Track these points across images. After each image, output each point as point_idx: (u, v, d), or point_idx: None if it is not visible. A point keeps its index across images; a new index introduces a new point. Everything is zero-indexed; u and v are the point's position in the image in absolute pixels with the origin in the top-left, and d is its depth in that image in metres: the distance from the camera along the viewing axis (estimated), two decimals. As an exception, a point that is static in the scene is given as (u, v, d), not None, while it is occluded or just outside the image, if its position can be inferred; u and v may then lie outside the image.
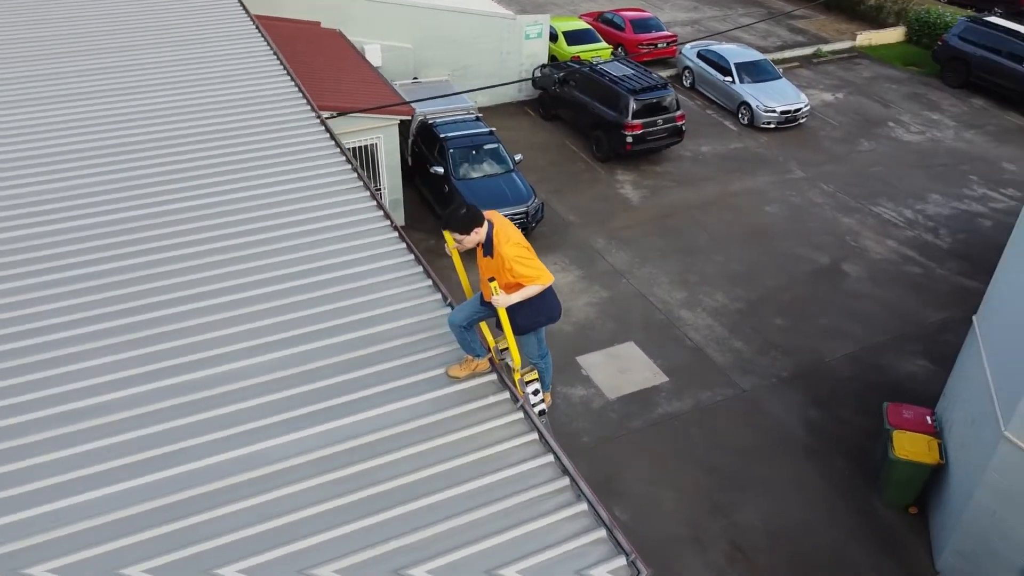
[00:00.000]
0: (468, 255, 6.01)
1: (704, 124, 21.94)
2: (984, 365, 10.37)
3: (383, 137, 16.62)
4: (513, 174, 17.11)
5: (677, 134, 19.71)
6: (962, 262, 16.67)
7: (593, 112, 19.81)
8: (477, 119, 18.39)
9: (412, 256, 7.06)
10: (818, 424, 12.76)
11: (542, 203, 16.79)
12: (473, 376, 5.89)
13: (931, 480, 11.21)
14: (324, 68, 16.87)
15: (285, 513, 4.66)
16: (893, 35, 27.96)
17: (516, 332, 5.68)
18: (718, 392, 13.27)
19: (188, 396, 5.45)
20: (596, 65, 20.63)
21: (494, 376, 5.92)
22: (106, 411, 5.31)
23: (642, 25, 25.61)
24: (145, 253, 6.84)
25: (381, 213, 7.64)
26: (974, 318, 11.39)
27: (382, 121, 16.58)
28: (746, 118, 21.87)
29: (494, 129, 18.04)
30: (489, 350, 5.97)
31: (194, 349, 5.83)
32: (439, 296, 6.62)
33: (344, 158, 8.61)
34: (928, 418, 11.56)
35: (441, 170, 16.78)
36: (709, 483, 11.67)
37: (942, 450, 11.12)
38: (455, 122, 18.03)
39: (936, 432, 11.37)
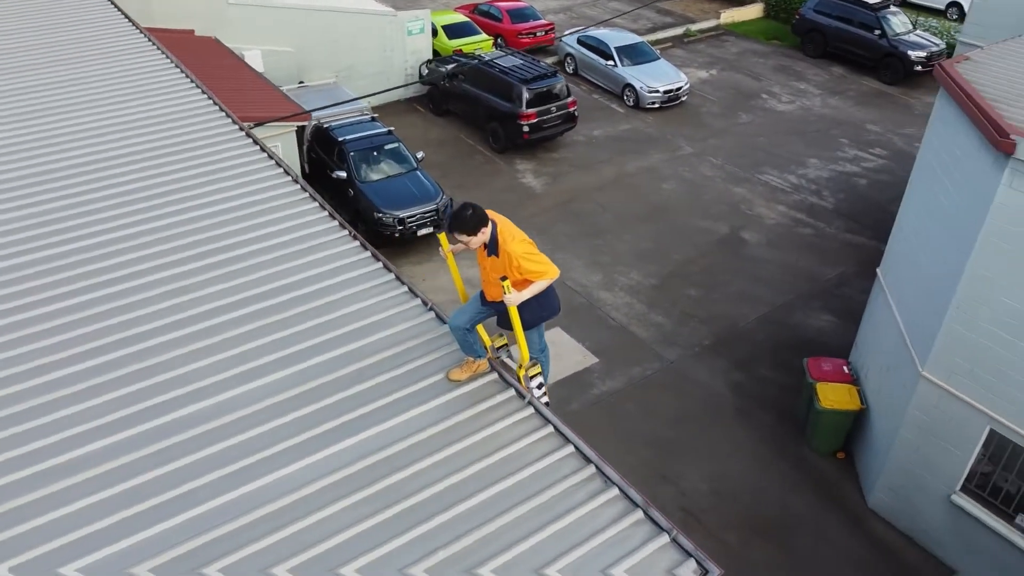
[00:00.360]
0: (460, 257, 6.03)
1: (593, 108, 22.46)
2: (894, 314, 11.20)
3: (280, 145, 16.18)
4: (418, 172, 17.01)
5: (571, 120, 20.11)
6: (847, 220, 17.86)
7: (487, 104, 19.91)
8: (373, 119, 18.15)
9: (380, 264, 6.97)
10: (743, 385, 13.43)
11: (451, 199, 16.78)
12: (475, 377, 5.90)
13: (854, 425, 12.05)
14: (212, 78, 16.21)
15: (323, 540, 4.55)
16: (753, 11, 29.45)
17: (523, 328, 5.71)
18: (647, 367, 13.73)
19: (184, 434, 5.19)
20: (485, 57, 20.74)
21: (495, 375, 5.95)
22: (92, 462, 4.98)
23: (519, 15, 25.88)
24: (99, 287, 6.43)
25: (336, 223, 7.49)
26: (878, 271, 12.26)
27: (279, 129, 16.13)
28: (631, 100, 22.54)
29: (392, 128, 17.86)
30: (487, 350, 6.01)
31: (180, 383, 5.56)
32: (418, 302, 6.58)
33: (282, 169, 8.38)
34: (845, 368, 12.40)
35: (343, 174, 16.48)
36: (652, 455, 12.10)
37: (862, 396, 11.97)
38: (351, 124, 17.71)
39: (854, 380, 12.22)
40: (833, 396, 11.93)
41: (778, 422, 12.74)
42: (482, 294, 6.02)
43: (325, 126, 17.53)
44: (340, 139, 17.01)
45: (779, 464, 12.03)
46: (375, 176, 16.73)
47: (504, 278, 5.47)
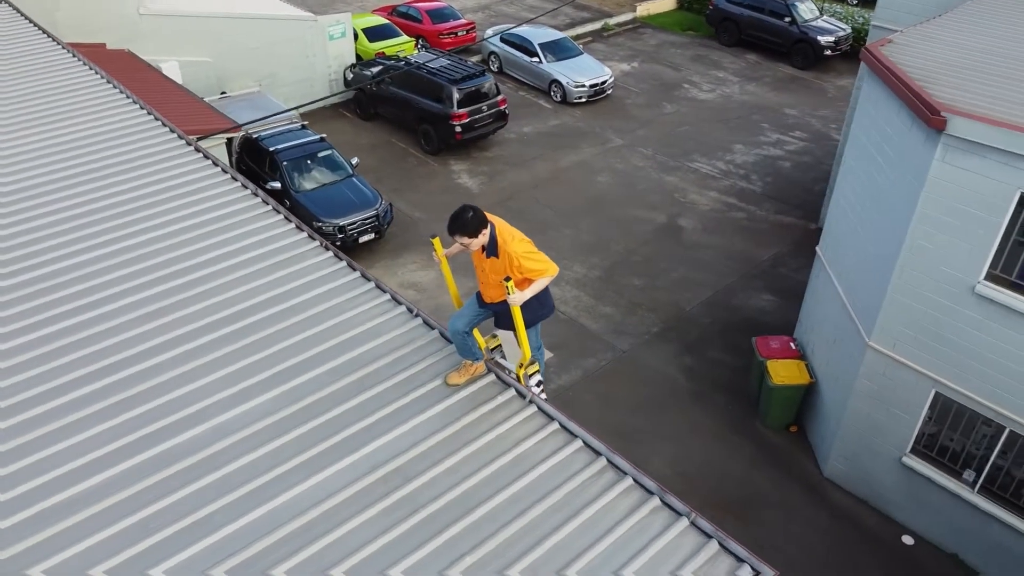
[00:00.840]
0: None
1: (521, 106, 22.60)
2: (837, 289, 11.68)
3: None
4: (354, 178, 16.81)
5: (502, 118, 20.19)
6: (775, 202, 18.48)
7: (417, 107, 19.80)
8: (303, 127, 17.83)
9: (358, 273, 6.89)
10: (694, 369, 13.78)
11: (390, 204, 16.65)
12: (473, 380, 5.89)
13: (804, 399, 12.52)
14: (135, 93, 15.64)
15: (347, 555, 4.48)
16: (667, 3, 30.11)
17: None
18: (601, 357, 13.94)
19: (186, 461, 5.02)
20: (412, 59, 20.61)
21: (493, 377, 5.96)
22: (93, 498, 4.77)
23: (439, 15, 25.80)
24: (69, 315, 6.17)
25: (306, 235, 7.37)
26: (818, 249, 12.74)
27: (210, 142, 15.69)
28: (558, 95, 22.77)
29: (325, 135, 17.58)
30: (483, 352, 6.02)
31: (171, 409, 5.37)
32: (403, 309, 6.52)
33: (239, 183, 8.18)
34: (791, 344, 12.86)
35: (278, 185, 16.14)
36: (615, 445, 12.15)
37: (810, 370, 12.43)
38: (282, 133, 17.35)
39: (801, 356, 12.69)
40: (784, 372, 12.35)
41: (732, 401, 13.12)
42: (479, 296, 6.01)
43: (255, 136, 17.14)
44: (271, 149, 16.66)
45: (737, 442, 12.39)
46: (310, 185, 16.45)
47: (508, 278, 5.47)
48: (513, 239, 5.57)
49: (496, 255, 5.60)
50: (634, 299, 15.31)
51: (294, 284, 6.76)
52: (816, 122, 22.26)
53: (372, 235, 16.10)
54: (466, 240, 5.53)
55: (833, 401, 11.74)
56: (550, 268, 5.64)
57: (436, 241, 6.13)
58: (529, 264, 5.54)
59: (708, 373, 13.69)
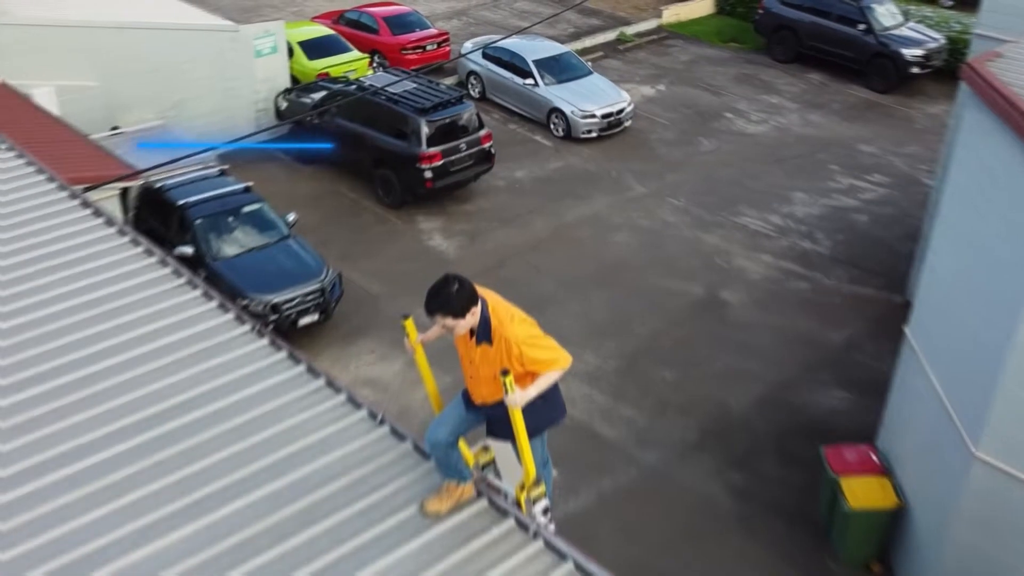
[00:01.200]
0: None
1: (511, 143, 23.42)
2: (932, 381, 12.12)
3: (102, 217, 16.25)
4: (290, 241, 17.22)
5: (486, 160, 20.86)
6: (849, 267, 19.14)
7: (373, 145, 20.37)
8: (222, 173, 18.25)
9: (303, 367, 7.30)
10: (743, 488, 14.12)
11: (338, 275, 17.07)
12: (459, 507, 6.08)
13: (891, 527, 12.84)
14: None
15: None
16: (702, 7, 31.49)
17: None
18: (620, 475, 14.28)
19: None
20: (366, 82, 21.34)
21: (485, 502, 6.20)
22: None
23: (400, 23, 26.71)
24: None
25: (233, 316, 7.81)
26: (906, 330, 13.25)
27: (100, 193, 16.19)
28: (560, 128, 23.62)
29: (251, 184, 18.02)
30: (472, 470, 6.26)
31: (62, 549, 5.68)
32: (363, 413, 6.92)
33: (142, 248, 8.62)
34: (872, 456, 13.25)
35: (190, 250, 16.30)
36: (639, 592, 12.58)
37: (898, 490, 12.79)
38: (193, 182, 17.68)
39: (885, 470, 13.06)
40: (862, 492, 12.69)
41: (792, 530, 13.41)
42: (466, 395, 6.23)
43: (158, 186, 17.49)
44: (180, 203, 16.99)
45: (801, 585, 12.69)
46: (233, 250, 16.80)
47: (505, 372, 5.59)
48: (512, 320, 5.75)
49: (489, 341, 5.76)
50: (663, 397, 15.73)
51: (218, 382, 7.06)
52: (900, 162, 23.16)
53: (316, 316, 16.49)
54: (450, 322, 5.69)
55: (929, 530, 12.04)
56: (561, 358, 5.80)
57: (409, 323, 6.34)
58: (534, 353, 5.69)
59: (761, 494, 14.00)
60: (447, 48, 26.89)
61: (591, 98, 23.66)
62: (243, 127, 22.07)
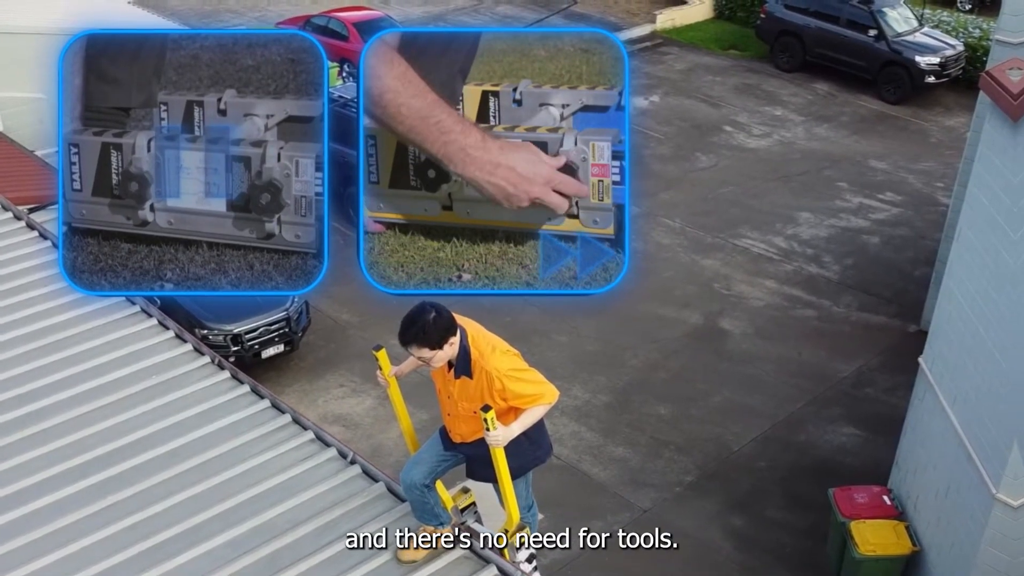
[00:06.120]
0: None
1: (493, 157, 23.50)
2: (950, 417, 12.24)
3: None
4: (253, 264, 17.34)
5: (466, 176, 20.96)
6: (859, 294, 19.28)
7: (344, 162, 20.43)
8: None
9: (267, 402, 7.39)
10: (746, 533, 14.18)
11: (305, 303, 17.12)
12: (436, 554, 6.15)
13: (905, 574, 12.93)
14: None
15: None
16: (699, 11, 31.63)
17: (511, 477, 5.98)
18: (611, 520, 14.32)
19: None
20: (335, 94, 21.50)
21: (466, 548, 6.31)
22: None
23: (373, 30, 26.77)
24: None
25: (191, 347, 7.90)
26: (921, 361, 13.37)
27: (46, 214, 16.25)
28: (546, 142, 23.73)
29: (210, 203, 18.15)
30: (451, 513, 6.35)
31: None
32: (333, 452, 7.00)
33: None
34: (885, 498, 13.36)
35: (145, 272, 16.57)
36: (635, 647, 12.60)
37: (912, 535, 12.89)
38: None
39: (899, 514, 13.17)
40: (874, 538, 12.78)
41: (801, 581, 13.51)
42: (444, 433, 6.31)
43: (108, 205, 17.66)
44: (132, 223, 17.17)
45: (809, 640, 12.76)
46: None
47: (487, 407, 5.65)
48: (493, 352, 5.83)
49: (469, 374, 5.84)
50: (658, 435, 15.79)
51: (175, 419, 7.17)
52: (915, 179, 23.36)
53: (281, 347, 16.54)
54: (427, 353, 5.75)
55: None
56: (547, 392, 5.90)
57: (382, 354, 6.45)
58: (517, 387, 5.79)
59: (765, 540, 14.06)
60: (425, 56, 26.96)
61: (580, 110, 23.79)
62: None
